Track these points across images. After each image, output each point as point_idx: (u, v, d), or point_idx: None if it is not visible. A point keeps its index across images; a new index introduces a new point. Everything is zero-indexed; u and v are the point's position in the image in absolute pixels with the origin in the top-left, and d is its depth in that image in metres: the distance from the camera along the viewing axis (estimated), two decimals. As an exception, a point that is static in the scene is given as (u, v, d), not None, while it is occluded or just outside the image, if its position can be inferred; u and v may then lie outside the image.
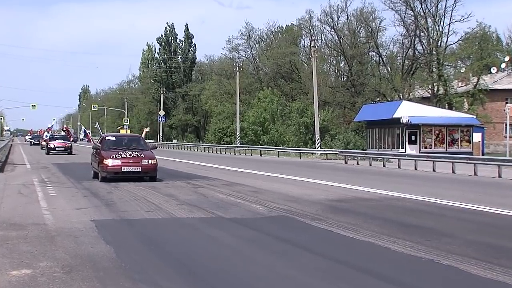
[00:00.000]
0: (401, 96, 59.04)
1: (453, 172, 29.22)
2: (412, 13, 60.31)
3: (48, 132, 67.03)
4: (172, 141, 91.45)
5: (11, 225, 12.54)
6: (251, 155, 54.53)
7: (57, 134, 64.55)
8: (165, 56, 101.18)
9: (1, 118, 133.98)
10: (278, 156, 50.41)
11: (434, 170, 30.52)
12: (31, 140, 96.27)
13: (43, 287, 7.59)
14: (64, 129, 78.66)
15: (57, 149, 51.38)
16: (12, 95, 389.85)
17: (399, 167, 33.86)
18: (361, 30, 67.25)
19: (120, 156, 22.95)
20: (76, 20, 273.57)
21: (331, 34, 68.23)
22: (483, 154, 47.04)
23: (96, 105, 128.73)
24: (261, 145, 62.21)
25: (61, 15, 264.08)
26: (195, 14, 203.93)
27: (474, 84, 58.18)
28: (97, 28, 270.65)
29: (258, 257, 9.44)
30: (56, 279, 7.94)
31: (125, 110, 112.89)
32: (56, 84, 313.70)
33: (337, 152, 44.45)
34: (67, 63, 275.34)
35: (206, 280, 8.05)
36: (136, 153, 23.32)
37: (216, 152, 59.99)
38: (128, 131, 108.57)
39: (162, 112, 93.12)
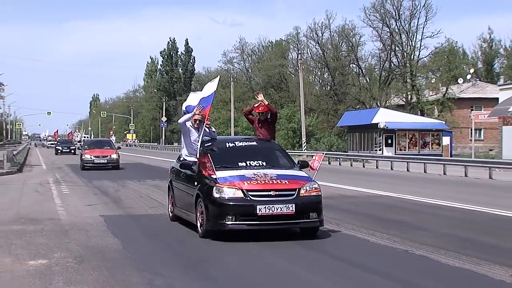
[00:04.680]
0: (379, 104, 59.07)
1: (425, 171, 29.26)
2: (388, 30, 60.47)
3: (208, 129, 11.20)
4: (173, 145, 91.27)
5: (28, 220, 12.49)
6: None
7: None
8: (167, 67, 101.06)
9: (20, 124, 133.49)
10: (269, 158, 50.39)
11: (408, 170, 30.55)
12: (57, 148, 58.47)
13: (58, 275, 7.56)
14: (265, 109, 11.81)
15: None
16: (30, 103, 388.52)
17: (377, 167, 33.89)
18: (342, 45, 67.26)
19: None
20: (86, 35, 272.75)
21: (316, 48, 68.23)
22: (451, 156, 47.10)
23: (105, 112, 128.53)
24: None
25: (73, 31, 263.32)
26: (192, 30, 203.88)
27: (443, 93, 58.36)
28: (105, 42, 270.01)
29: (248, 247, 9.38)
30: (69, 269, 7.91)
31: (131, 116, 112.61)
32: (69, 93, 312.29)
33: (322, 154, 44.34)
34: (78, 74, 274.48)
35: (204, 270, 8.03)
36: None
37: (213, 154, 59.89)
38: (134, 135, 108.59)
39: (164, 118, 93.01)
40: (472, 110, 57.31)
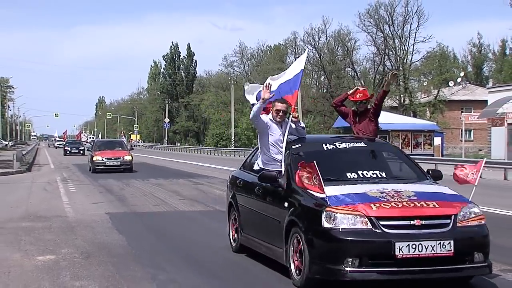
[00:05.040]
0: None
1: (417, 171, 29.26)
2: (382, 35, 60.61)
3: (295, 124, 7.79)
4: (175, 145, 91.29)
5: (37, 217, 12.50)
6: (244, 156, 54.44)
7: None
8: (170, 71, 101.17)
9: (29, 125, 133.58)
10: (267, 157, 50.40)
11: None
12: (66, 148, 56.46)
13: (65, 270, 7.57)
14: None
15: None
16: (38, 105, 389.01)
17: (371, 166, 33.84)
18: (338, 49, 67.39)
19: None
20: (92, 40, 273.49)
21: (312, 52, 68.30)
22: (442, 156, 47.11)
23: (110, 114, 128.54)
24: (253, 147, 62.02)
25: (80, 35, 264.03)
26: (194, 35, 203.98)
27: (435, 95, 58.48)
28: (110, 46, 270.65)
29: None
30: (76, 264, 7.92)
31: (135, 117, 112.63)
32: (75, 95, 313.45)
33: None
34: (85, 77, 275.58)
35: (205, 264, 8.02)
36: None
37: (214, 154, 59.91)
38: (138, 136, 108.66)
39: (167, 120, 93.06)
40: (462, 111, 57.35)
